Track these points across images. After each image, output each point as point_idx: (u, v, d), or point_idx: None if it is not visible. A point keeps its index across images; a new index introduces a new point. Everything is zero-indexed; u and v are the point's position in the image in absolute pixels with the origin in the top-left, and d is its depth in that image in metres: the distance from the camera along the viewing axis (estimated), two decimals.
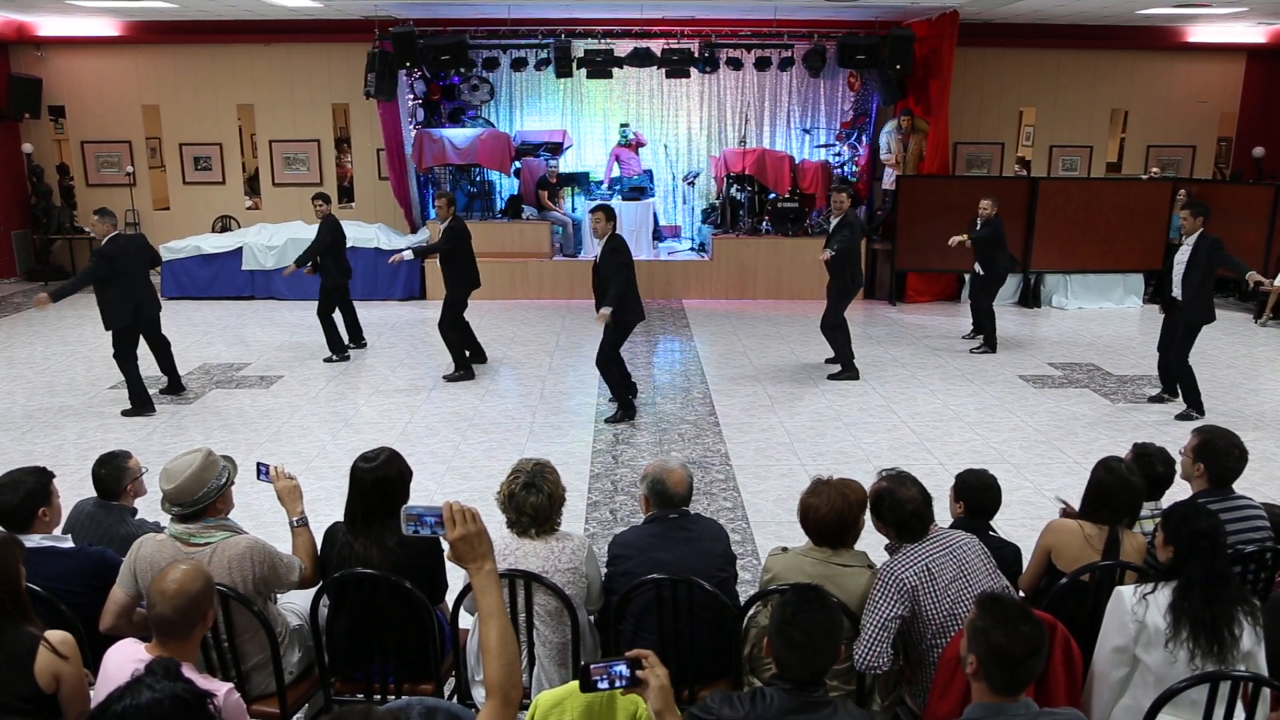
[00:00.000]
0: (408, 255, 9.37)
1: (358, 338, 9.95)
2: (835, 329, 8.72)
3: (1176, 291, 7.54)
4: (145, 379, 7.76)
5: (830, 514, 3.16)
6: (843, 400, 8.18)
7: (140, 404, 7.69)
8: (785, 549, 3.35)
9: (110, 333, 7.54)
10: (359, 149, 14.17)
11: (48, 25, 13.31)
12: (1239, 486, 3.70)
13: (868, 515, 3.25)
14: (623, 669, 2.13)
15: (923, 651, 3.05)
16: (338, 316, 9.65)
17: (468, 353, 8.95)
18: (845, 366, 8.76)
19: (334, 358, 9.41)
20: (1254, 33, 13.56)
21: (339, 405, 8.06)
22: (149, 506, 4.10)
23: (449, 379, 8.67)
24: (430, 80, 13.22)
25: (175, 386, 8.20)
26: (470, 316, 9.08)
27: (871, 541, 3.32)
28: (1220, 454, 3.61)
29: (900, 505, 3.12)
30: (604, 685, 2.13)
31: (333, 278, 9.36)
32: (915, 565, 3.03)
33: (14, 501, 3.29)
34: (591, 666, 2.12)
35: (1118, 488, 3.41)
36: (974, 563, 3.10)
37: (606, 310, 7.22)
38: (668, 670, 2.19)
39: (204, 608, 2.67)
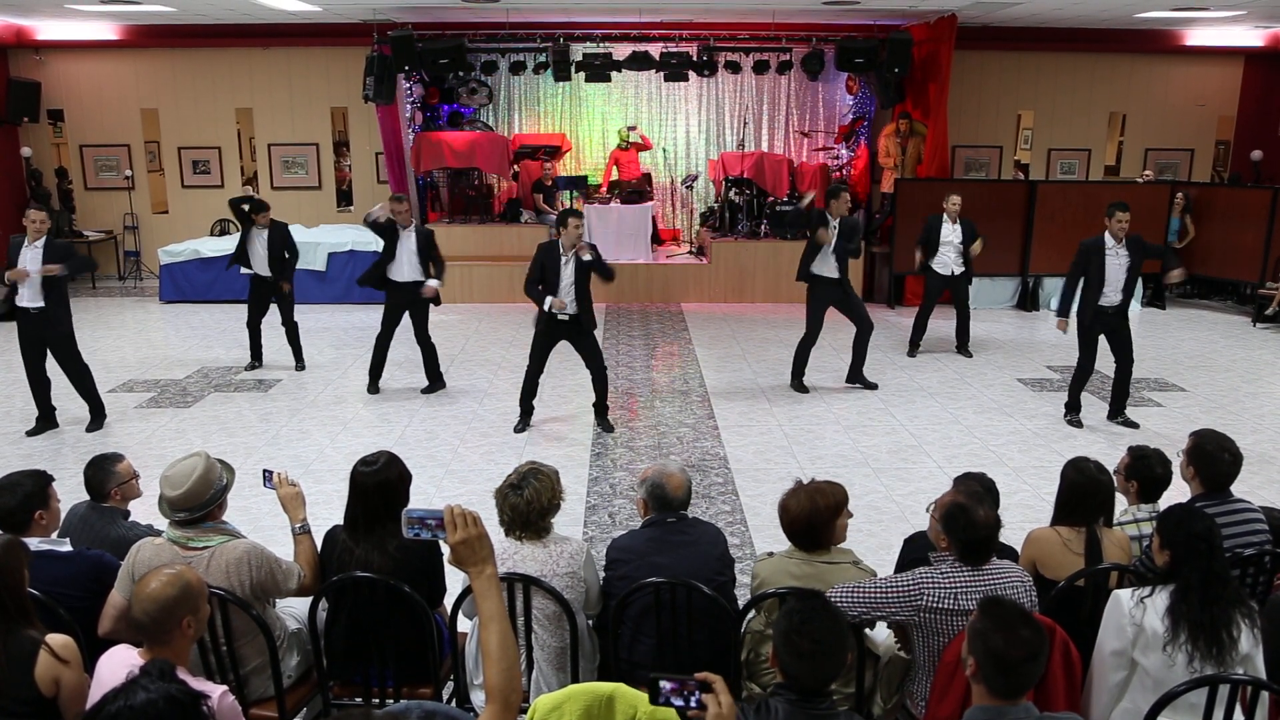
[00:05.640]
0: (434, 283, 8.22)
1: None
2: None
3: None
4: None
5: (799, 516, 3.22)
6: (841, 403, 8.17)
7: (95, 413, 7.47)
8: (771, 554, 3.37)
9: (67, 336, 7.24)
10: (357, 152, 14.17)
11: (47, 29, 13.30)
12: (1238, 490, 3.71)
13: (847, 522, 3.30)
14: (691, 692, 1.99)
15: (923, 660, 3.03)
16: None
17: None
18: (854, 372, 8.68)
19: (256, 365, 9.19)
20: (1252, 36, 13.58)
21: (337, 409, 8.05)
22: (148, 511, 4.10)
23: (426, 392, 8.42)
24: (428, 84, 13.24)
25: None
26: (469, 319, 9.01)
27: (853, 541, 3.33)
28: (1211, 457, 3.63)
29: (974, 528, 2.96)
30: (669, 702, 2.00)
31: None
32: (943, 593, 2.94)
33: (10, 504, 3.28)
34: (661, 681, 1.99)
35: (1090, 488, 3.45)
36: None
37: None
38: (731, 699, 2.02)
39: (179, 614, 2.59)
